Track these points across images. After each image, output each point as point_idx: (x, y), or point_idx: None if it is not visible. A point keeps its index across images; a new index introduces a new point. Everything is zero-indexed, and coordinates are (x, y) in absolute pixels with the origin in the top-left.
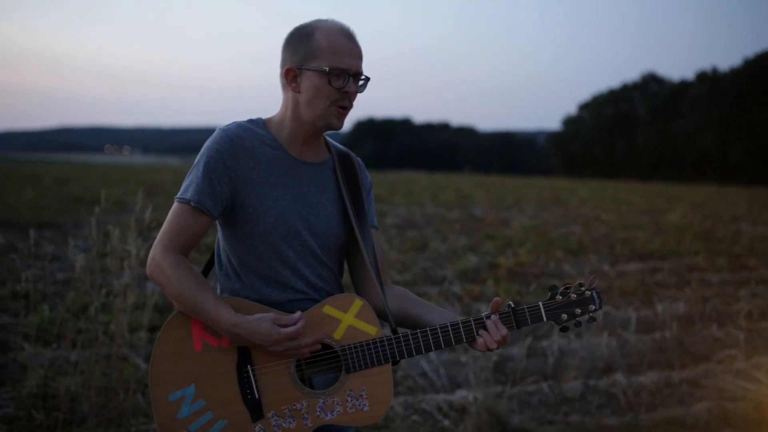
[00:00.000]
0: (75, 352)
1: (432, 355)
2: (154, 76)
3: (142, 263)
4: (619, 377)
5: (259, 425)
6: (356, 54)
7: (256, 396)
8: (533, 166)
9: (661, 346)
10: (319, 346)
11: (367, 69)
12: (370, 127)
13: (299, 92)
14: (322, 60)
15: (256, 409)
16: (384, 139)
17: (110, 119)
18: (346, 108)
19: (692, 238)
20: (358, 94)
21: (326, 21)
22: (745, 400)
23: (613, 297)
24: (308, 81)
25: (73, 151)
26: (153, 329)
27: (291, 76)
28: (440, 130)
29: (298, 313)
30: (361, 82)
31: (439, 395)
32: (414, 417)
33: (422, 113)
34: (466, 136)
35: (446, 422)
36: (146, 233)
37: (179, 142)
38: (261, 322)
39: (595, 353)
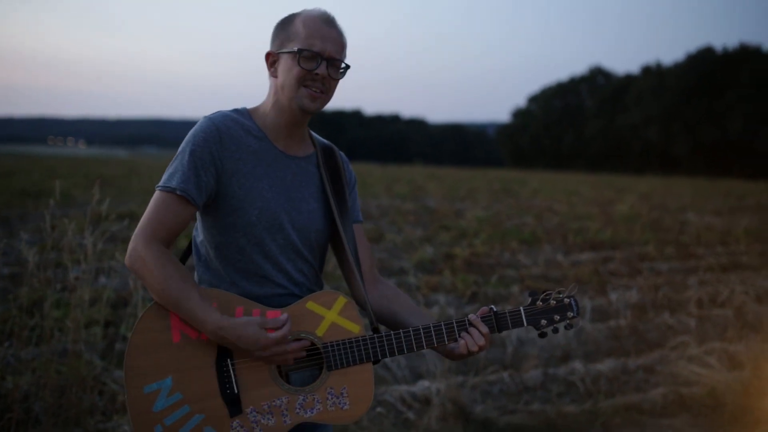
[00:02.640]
0: (26, 350)
1: None
2: (99, 66)
3: (99, 258)
4: (578, 365)
5: (237, 421)
6: (332, 39)
7: (235, 391)
8: (484, 158)
9: (616, 334)
10: (305, 354)
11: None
12: (320, 119)
13: (277, 77)
14: (296, 43)
15: (234, 405)
16: (334, 131)
17: (53, 110)
18: (318, 91)
19: (641, 228)
20: (339, 82)
21: (310, 9)
22: (698, 384)
23: (568, 286)
24: (283, 64)
25: (14, 142)
26: (107, 325)
27: (270, 61)
28: (391, 122)
29: (284, 316)
30: (341, 70)
31: (402, 386)
32: (378, 409)
33: (373, 105)
34: (416, 128)
35: (410, 414)
36: (102, 226)
37: (126, 133)
38: (248, 326)
39: (553, 342)
